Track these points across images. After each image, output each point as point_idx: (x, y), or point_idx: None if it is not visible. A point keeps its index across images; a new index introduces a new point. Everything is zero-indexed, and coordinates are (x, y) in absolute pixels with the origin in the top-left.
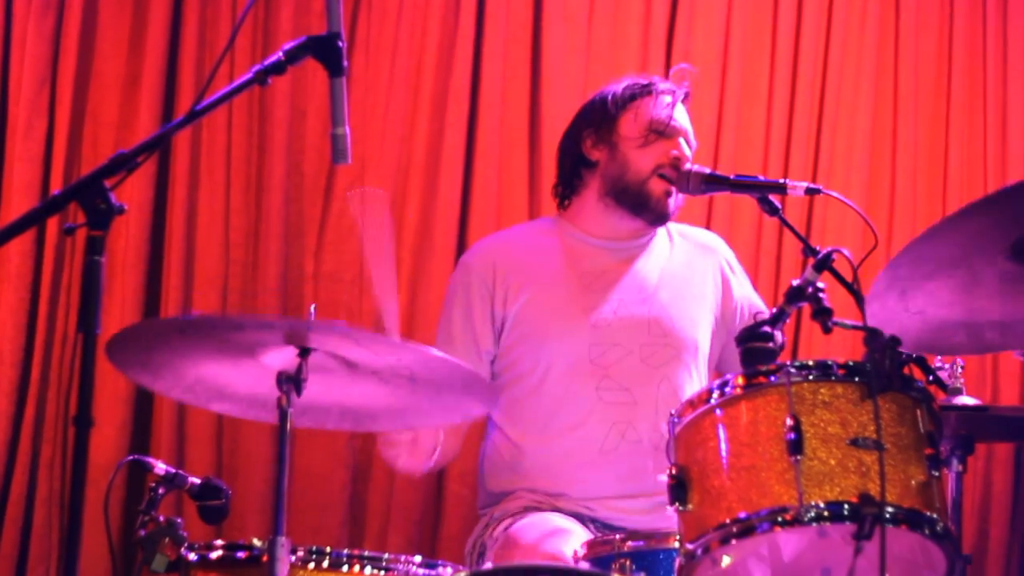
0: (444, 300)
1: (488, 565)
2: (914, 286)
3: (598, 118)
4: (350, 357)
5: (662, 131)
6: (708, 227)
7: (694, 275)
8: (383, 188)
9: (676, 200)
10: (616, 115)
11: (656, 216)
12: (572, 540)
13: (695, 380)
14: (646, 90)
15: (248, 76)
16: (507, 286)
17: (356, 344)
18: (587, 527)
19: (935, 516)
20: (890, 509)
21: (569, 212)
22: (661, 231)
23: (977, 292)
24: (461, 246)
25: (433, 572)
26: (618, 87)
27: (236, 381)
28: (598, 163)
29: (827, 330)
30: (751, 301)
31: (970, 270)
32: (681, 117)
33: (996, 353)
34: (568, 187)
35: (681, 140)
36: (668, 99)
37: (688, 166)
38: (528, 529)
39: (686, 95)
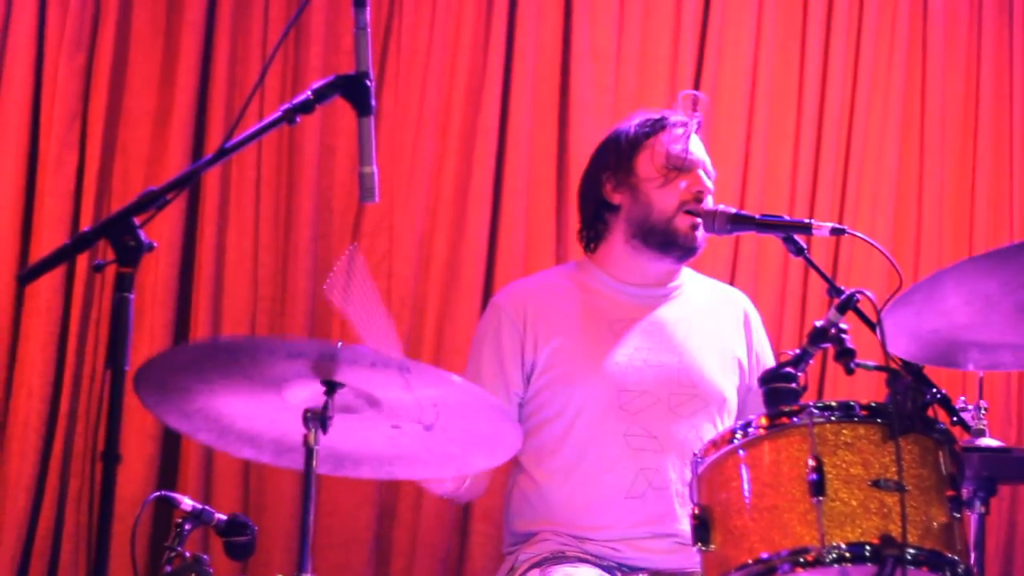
0: (473, 340)
1: None
2: (929, 308)
3: (615, 161)
4: (376, 393)
5: (680, 166)
6: (734, 268)
7: (720, 327)
8: (410, 225)
9: (703, 234)
10: (632, 156)
11: (685, 251)
12: None
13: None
14: (659, 125)
15: (277, 115)
16: (537, 331)
17: (391, 372)
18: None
19: (956, 558)
20: (911, 551)
21: (597, 256)
22: (688, 281)
23: (993, 318)
24: (489, 284)
25: None
26: (630, 126)
27: (261, 422)
28: (621, 206)
29: (849, 371)
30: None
31: (988, 299)
32: (696, 148)
33: (1021, 396)
34: (593, 232)
35: (700, 172)
36: (681, 131)
37: (713, 205)
38: None
39: (699, 125)
